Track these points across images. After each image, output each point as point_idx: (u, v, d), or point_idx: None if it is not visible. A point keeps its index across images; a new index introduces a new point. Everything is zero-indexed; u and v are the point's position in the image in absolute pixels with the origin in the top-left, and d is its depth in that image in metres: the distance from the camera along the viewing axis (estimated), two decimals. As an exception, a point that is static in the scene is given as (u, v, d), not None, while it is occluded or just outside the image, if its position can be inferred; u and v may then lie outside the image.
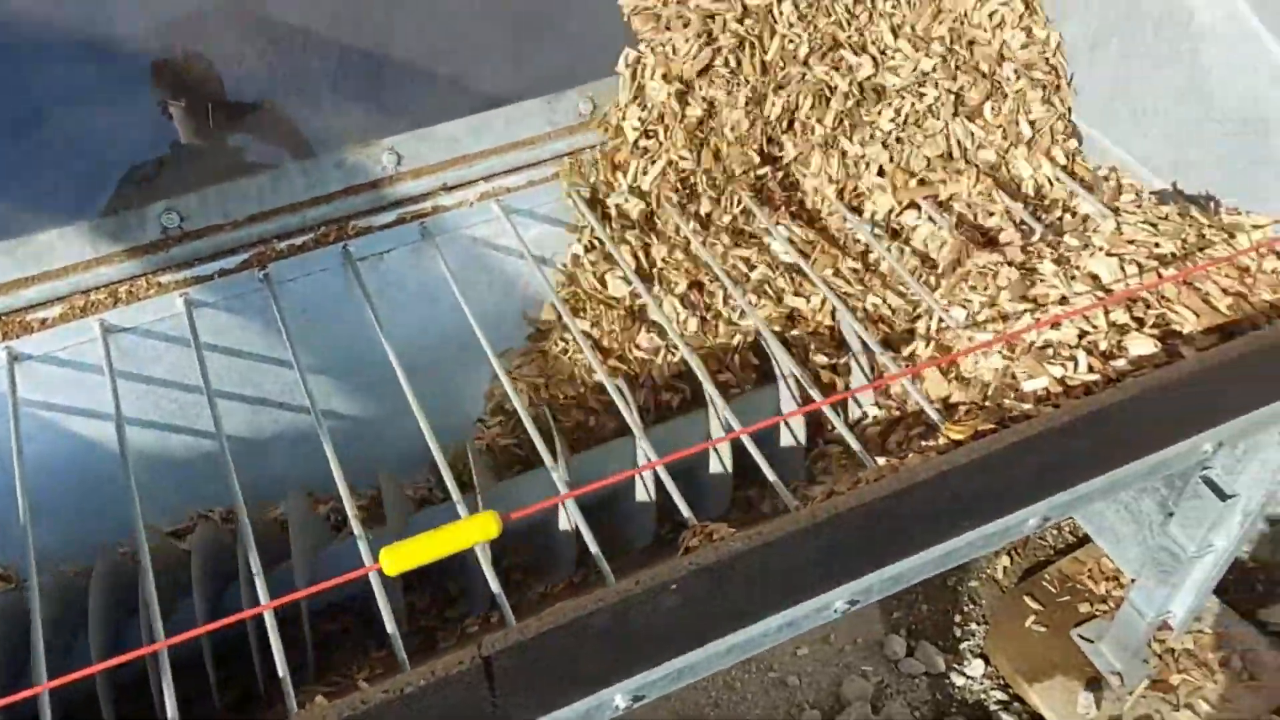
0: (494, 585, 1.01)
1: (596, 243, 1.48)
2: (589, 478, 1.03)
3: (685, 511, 1.10)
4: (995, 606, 1.95)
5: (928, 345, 1.39)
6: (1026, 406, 1.08)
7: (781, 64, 1.45)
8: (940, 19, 1.48)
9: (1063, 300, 1.22)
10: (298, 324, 1.35)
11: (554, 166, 1.47)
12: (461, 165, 1.43)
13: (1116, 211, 1.35)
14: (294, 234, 1.36)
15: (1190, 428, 1.15)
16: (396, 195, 1.40)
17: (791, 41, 1.44)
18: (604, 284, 1.48)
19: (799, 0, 1.44)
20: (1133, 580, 1.72)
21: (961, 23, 1.49)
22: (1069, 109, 1.53)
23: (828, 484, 1.04)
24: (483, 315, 1.34)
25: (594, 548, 1.06)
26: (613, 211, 1.49)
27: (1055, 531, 2.07)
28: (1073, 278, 1.24)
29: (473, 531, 0.81)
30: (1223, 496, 1.45)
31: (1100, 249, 1.25)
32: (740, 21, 1.42)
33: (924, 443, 1.15)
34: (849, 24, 1.47)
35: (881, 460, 1.06)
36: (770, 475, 1.16)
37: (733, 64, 1.43)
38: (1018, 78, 1.49)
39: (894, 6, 1.47)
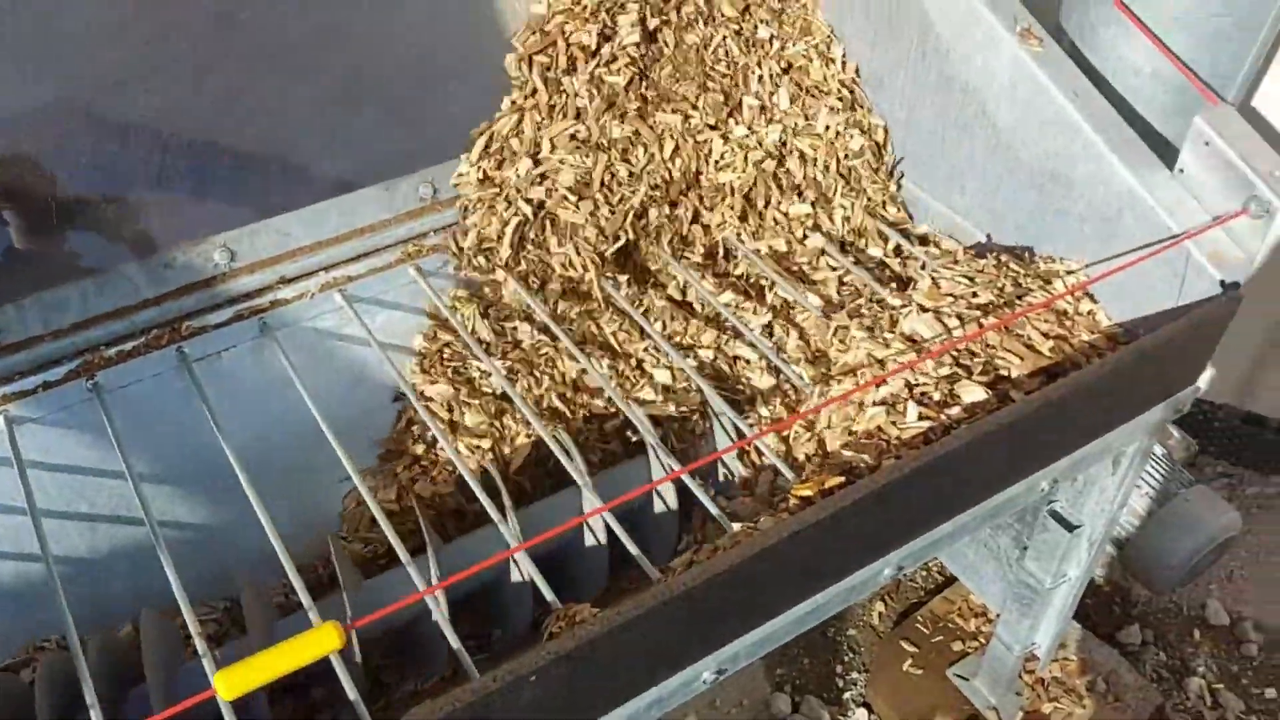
0: (351, 693, 0.96)
1: (451, 326, 1.47)
2: (459, 567, 1.00)
3: (549, 596, 1.08)
4: (874, 653, 1.98)
5: (782, 404, 1.42)
6: (867, 458, 1.11)
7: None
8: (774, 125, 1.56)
9: (883, 363, 1.27)
10: (132, 433, 1.28)
11: (396, 252, 1.46)
12: (299, 257, 1.39)
13: (937, 267, 1.42)
14: (123, 339, 1.30)
15: (1026, 468, 1.20)
16: (232, 292, 1.36)
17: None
18: (458, 370, 1.47)
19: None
20: (998, 615, 1.78)
21: (794, 132, 1.57)
22: (895, 169, 1.61)
23: (688, 553, 1.04)
24: (333, 409, 1.30)
25: (455, 642, 1.03)
26: (463, 293, 1.48)
27: (925, 572, 2.12)
28: (902, 333, 1.29)
29: (312, 646, 0.78)
30: (1069, 528, 1.52)
31: (920, 306, 1.30)
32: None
33: (781, 502, 1.16)
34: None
35: (736, 526, 1.06)
36: (633, 549, 1.16)
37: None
38: (846, 160, 1.57)
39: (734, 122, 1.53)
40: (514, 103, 1.46)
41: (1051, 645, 1.74)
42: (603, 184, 1.46)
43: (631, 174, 1.47)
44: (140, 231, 1.32)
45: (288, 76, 1.43)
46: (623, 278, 1.50)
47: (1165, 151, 1.30)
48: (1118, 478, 1.43)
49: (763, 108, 1.56)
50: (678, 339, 1.53)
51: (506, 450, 1.46)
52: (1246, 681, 1.97)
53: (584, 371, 1.48)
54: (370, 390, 1.48)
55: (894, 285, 1.48)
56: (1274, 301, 2.11)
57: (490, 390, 1.47)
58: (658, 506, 1.39)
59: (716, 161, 1.53)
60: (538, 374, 1.47)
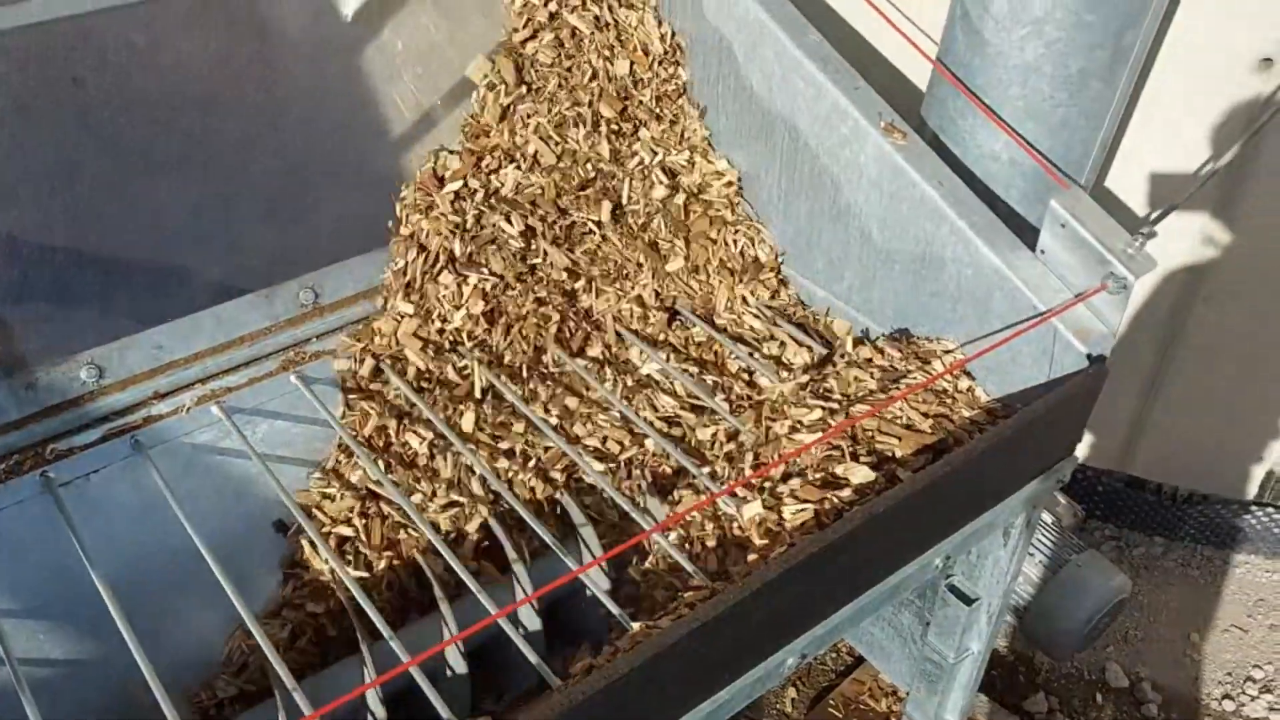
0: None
1: (344, 433, 1.43)
2: (332, 695, 0.95)
3: (444, 714, 1.04)
4: (787, 743, 1.96)
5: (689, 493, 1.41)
6: (752, 557, 1.11)
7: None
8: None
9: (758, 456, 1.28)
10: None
11: (277, 360, 1.42)
12: (173, 370, 1.34)
13: (825, 358, 1.45)
14: (-18, 466, 1.22)
15: (919, 545, 1.22)
16: (101, 411, 1.30)
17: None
18: (339, 476, 1.43)
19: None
20: (908, 693, 1.78)
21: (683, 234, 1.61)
22: (778, 259, 1.65)
23: (585, 659, 1.01)
24: (213, 528, 1.25)
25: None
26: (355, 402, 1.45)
27: (834, 655, 2.12)
28: (783, 423, 1.31)
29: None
30: (968, 601, 1.53)
31: (801, 395, 1.33)
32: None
33: (684, 595, 1.15)
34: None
35: (636, 625, 1.04)
36: (532, 657, 1.13)
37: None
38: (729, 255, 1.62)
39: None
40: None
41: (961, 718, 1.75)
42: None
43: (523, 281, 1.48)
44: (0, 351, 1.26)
45: (157, 183, 1.40)
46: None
47: (1027, 234, 1.36)
48: (1009, 549, 1.46)
49: (643, 208, 1.59)
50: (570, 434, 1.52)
51: (402, 566, 1.41)
52: (1149, 742, 2.01)
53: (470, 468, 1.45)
54: (255, 506, 1.42)
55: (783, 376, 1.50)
56: (1144, 368, 2.22)
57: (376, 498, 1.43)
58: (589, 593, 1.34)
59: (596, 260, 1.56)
60: (431, 480, 1.44)
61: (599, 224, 1.57)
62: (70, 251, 1.31)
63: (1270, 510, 2.27)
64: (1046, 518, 1.93)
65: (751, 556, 1.12)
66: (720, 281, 1.62)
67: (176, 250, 1.38)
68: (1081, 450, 1.40)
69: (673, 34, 1.63)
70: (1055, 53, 1.41)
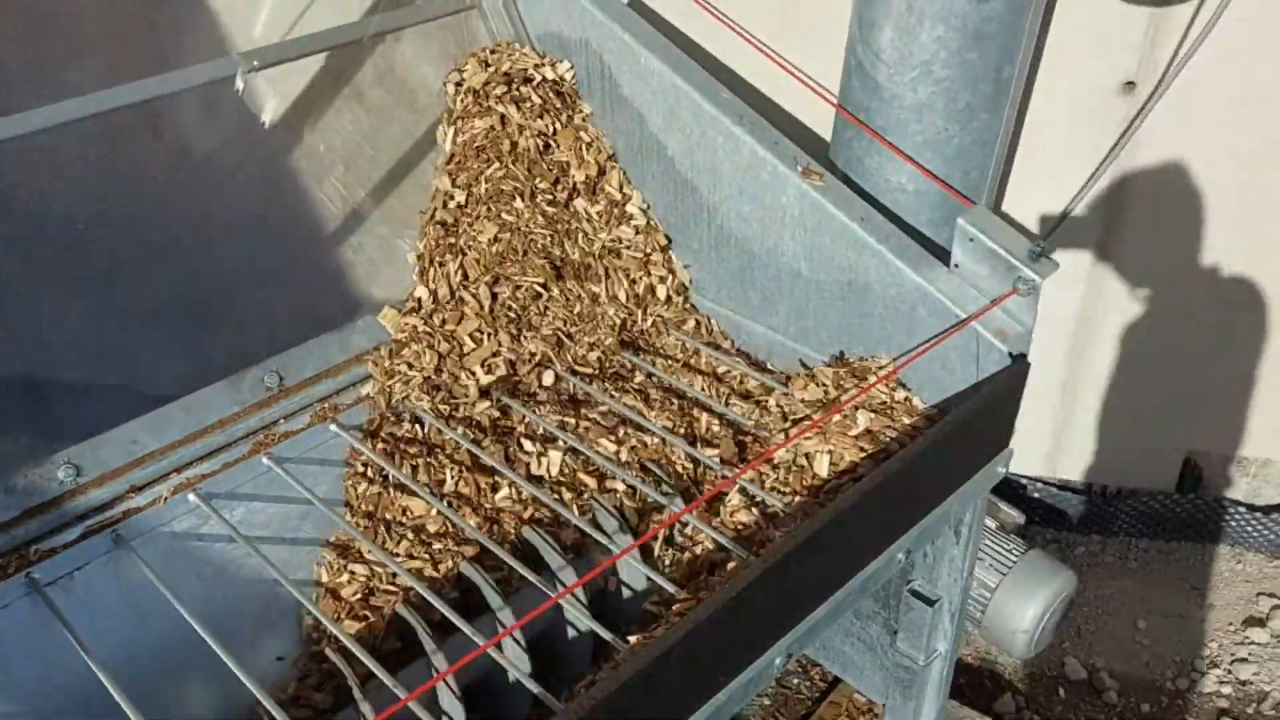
0: None
1: (322, 506, 1.47)
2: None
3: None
4: (775, 772, 2.00)
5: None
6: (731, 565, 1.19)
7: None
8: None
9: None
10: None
11: (248, 444, 1.46)
12: (148, 463, 1.38)
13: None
14: (-35, 575, 1.24)
15: (882, 541, 1.31)
16: (81, 508, 1.32)
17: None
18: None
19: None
20: (883, 706, 1.84)
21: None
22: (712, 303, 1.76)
23: (587, 677, 1.07)
24: (200, 613, 1.27)
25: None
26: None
27: (809, 682, 2.18)
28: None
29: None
30: (929, 603, 1.62)
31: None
32: None
33: (672, 608, 1.21)
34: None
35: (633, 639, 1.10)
36: (534, 688, 1.17)
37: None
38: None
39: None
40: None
41: (937, 723, 1.82)
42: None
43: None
44: (-26, 460, 1.28)
45: (115, 288, 1.46)
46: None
47: (939, 255, 1.48)
48: (961, 546, 1.56)
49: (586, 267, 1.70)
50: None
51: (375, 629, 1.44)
52: (1114, 728, 2.11)
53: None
54: (239, 588, 1.44)
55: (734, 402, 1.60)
56: (1059, 378, 2.37)
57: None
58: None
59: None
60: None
61: (544, 285, 1.65)
62: (37, 360, 1.35)
63: (1192, 497, 2.42)
64: (991, 524, 2.03)
65: (730, 564, 1.19)
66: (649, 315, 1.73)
67: (141, 349, 1.43)
68: (1013, 463, 1.51)
69: (586, 115, 1.76)
70: (944, 90, 1.56)
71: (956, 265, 1.44)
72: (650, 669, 0.99)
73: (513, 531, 1.49)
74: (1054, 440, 2.45)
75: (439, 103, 1.78)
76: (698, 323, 1.76)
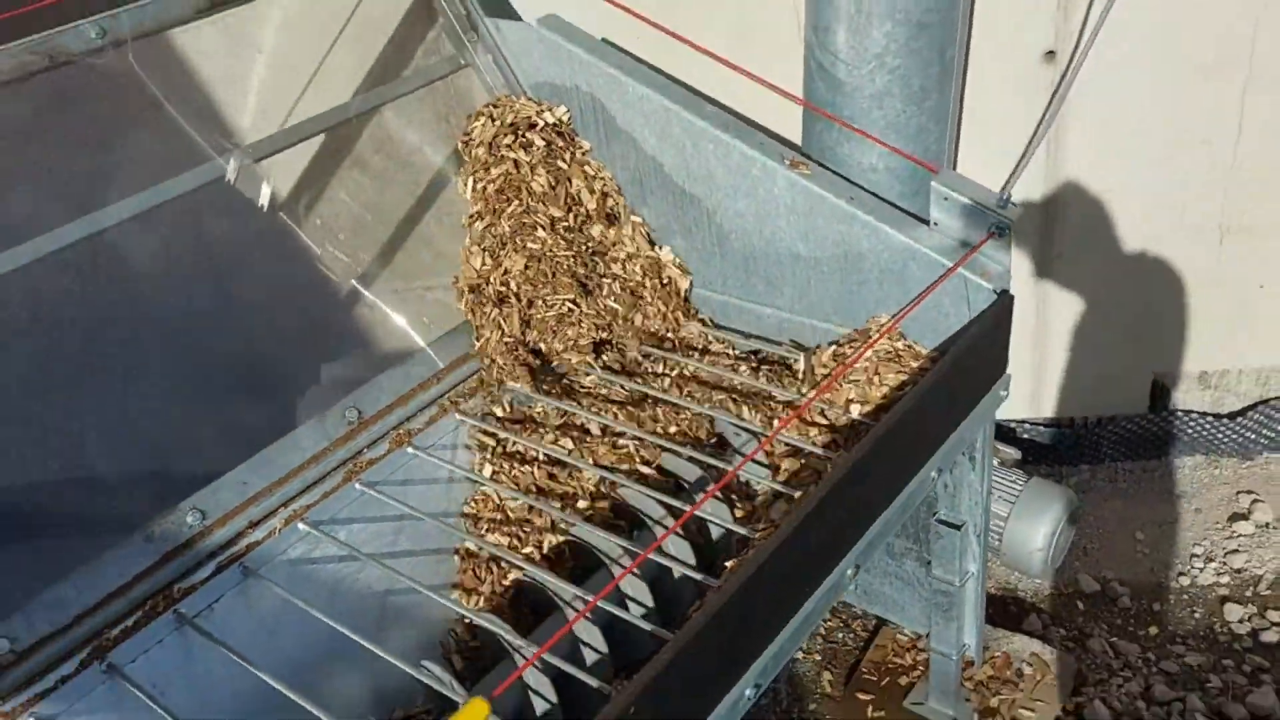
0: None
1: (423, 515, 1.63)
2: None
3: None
4: (837, 715, 2.17)
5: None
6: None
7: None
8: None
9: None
10: (161, 700, 1.35)
11: (341, 474, 1.63)
12: (260, 500, 1.54)
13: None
14: (125, 616, 1.39)
15: (916, 463, 1.51)
16: (211, 547, 1.48)
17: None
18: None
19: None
20: (927, 635, 2.03)
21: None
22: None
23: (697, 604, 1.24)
24: (331, 624, 1.43)
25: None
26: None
27: (852, 635, 2.36)
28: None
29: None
30: (955, 527, 1.82)
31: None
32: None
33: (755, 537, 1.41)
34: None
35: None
36: (646, 625, 1.35)
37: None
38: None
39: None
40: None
41: (978, 643, 2.01)
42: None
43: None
44: (112, 516, 1.44)
45: (203, 361, 1.62)
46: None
47: (916, 219, 1.69)
48: (978, 471, 1.76)
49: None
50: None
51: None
52: (1131, 628, 2.31)
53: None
54: (353, 599, 1.60)
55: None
56: (1029, 326, 2.59)
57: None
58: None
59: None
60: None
61: (574, 301, 1.84)
62: (151, 423, 1.51)
63: (1164, 414, 2.65)
64: (995, 462, 2.24)
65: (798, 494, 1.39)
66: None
67: (239, 403, 1.60)
68: (1000, 409, 1.71)
69: (586, 149, 1.96)
70: (898, 77, 1.78)
71: (936, 223, 1.65)
72: (748, 584, 1.17)
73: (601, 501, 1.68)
74: (1033, 382, 2.67)
75: (437, 160, 1.96)
76: (703, 321, 1.96)
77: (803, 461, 1.56)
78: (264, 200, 1.78)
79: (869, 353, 1.65)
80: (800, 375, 1.76)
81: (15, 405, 1.40)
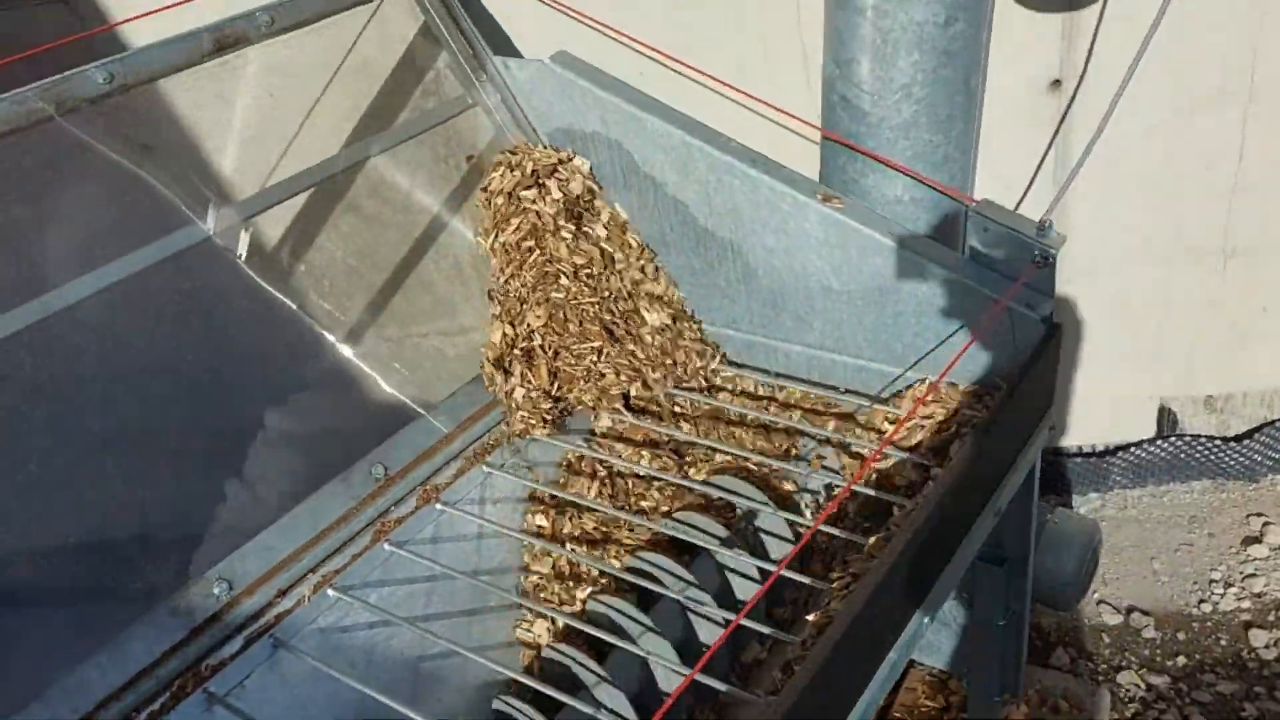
0: None
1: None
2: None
3: None
4: (874, 762, 2.11)
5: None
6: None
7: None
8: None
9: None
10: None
11: (369, 535, 1.54)
12: (288, 566, 1.45)
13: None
14: (152, 699, 1.28)
15: (982, 502, 1.46)
16: (240, 619, 1.38)
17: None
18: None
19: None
20: (959, 677, 1.98)
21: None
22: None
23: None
24: (366, 695, 1.34)
25: None
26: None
27: (878, 677, 2.30)
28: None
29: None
30: (1000, 564, 1.78)
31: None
32: None
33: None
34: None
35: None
36: (722, 688, 1.28)
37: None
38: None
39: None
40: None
41: (1020, 683, 1.96)
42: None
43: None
44: (135, 589, 1.34)
45: (222, 426, 1.53)
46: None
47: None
48: (1023, 506, 1.72)
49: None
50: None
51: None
52: (1159, 659, 2.28)
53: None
54: (387, 666, 1.51)
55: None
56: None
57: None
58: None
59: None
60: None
61: (600, 349, 1.79)
62: (179, 489, 1.41)
63: (1174, 439, 2.65)
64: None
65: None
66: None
67: (259, 466, 1.50)
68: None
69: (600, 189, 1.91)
70: (925, 106, 1.76)
71: (973, 253, 1.62)
72: (842, 641, 1.12)
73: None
74: (1040, 412, 2.65)
75: (435, 202, 1.89)
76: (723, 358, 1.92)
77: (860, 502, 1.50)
78: (265, 252, 1.70)
79: (910, 393, 1.61)
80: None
81: (25, 474, 1.30)
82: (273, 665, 1.40)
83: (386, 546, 1.54)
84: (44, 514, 1.30)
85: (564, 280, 1.79)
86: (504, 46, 2.15)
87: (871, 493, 1.50)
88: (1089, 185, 2.37)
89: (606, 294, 1.83)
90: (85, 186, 1.52)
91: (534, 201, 1.81)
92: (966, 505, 1.41)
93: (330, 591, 1.47)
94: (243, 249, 1.66)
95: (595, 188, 1.90)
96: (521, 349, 1.74)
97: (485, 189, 1.85)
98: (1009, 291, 1.56)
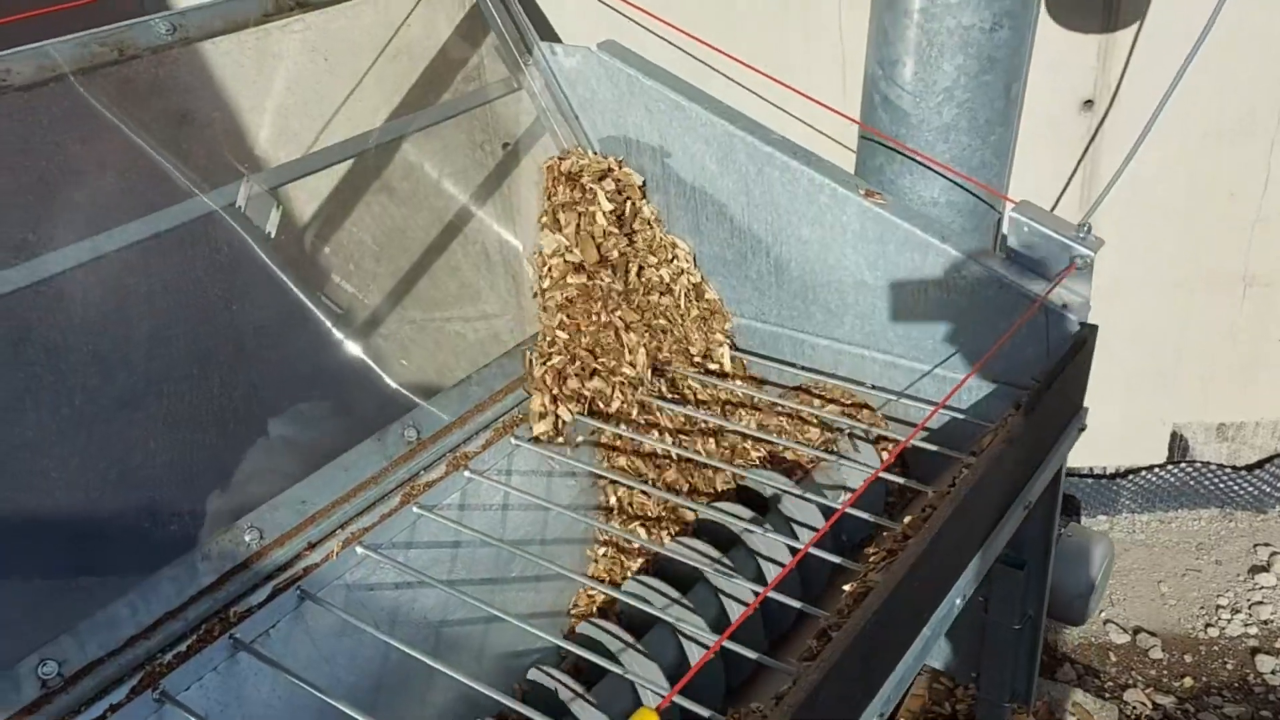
0: None
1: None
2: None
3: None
4: (879, 766, 2.10)
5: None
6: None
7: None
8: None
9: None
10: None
11: (398, 496, 1.54)
12: (319, 521, 1.44)
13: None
14: (179, 640, 1.28)
15: (1012, 496, 1.47)
16: (269, 568, 1.38)
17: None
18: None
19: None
20: (967, 683, 1.98)
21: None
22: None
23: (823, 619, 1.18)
24: (387, 652, 1.34)
25: None
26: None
27: (884, 683, 2.29)
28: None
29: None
30: (1019, 566, 1.78)
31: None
32: None
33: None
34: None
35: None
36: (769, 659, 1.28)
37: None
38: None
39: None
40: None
41: (1033, 689, 1.96)
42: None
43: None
44: (168, 533, 1.33)
45: (266, 377, 1.53)
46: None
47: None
48: (1045, 509, 1.73)
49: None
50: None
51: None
52: (1165, 679, 2.28)
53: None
54: (410, 628, 1.51)
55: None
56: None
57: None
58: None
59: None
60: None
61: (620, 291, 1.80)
62: (216, 440, 1.42)
63: (1184, 465, 2.66)
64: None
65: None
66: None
67: (295, 421, 1.50)
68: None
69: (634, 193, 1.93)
70: (966, 110, 1.78)
71: (1011, 253, 1.64)
72: (880, 613, 1.12)
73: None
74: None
75: (468, 184, 1.90)
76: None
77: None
78: (299, 224, 1.71)
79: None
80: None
81: (70, 421, 1.30)
82: (298, 616, 1.39)
83: (415, 509, 1.54)
84: (85, 454, 1.30)
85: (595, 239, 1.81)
86: (550, 37, 2.18)
87: (901, 481, 1.51)
88: (1113, 206, 2.40)
89: (636, 289, 1.85)
90: (129, 139, 1.54)
91: (587, 204, 1.84)
92: (998, 496, 1.42)
93: (358, 549, 1.47)
94: (272, 226, 1.67)
95: (643, 196, 1.93)
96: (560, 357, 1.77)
97: (550, 191, 1.88)
98: (1046, 291, 1.57)
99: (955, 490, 1.29)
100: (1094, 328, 1.56)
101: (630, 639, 1.42)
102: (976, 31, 1.72)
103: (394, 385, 1.63)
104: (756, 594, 1.44)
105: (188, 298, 1.48)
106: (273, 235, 1.68)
